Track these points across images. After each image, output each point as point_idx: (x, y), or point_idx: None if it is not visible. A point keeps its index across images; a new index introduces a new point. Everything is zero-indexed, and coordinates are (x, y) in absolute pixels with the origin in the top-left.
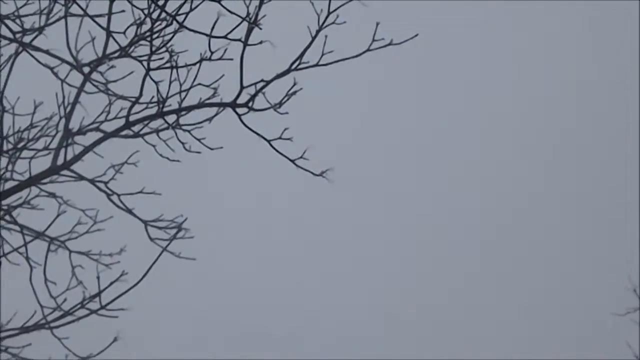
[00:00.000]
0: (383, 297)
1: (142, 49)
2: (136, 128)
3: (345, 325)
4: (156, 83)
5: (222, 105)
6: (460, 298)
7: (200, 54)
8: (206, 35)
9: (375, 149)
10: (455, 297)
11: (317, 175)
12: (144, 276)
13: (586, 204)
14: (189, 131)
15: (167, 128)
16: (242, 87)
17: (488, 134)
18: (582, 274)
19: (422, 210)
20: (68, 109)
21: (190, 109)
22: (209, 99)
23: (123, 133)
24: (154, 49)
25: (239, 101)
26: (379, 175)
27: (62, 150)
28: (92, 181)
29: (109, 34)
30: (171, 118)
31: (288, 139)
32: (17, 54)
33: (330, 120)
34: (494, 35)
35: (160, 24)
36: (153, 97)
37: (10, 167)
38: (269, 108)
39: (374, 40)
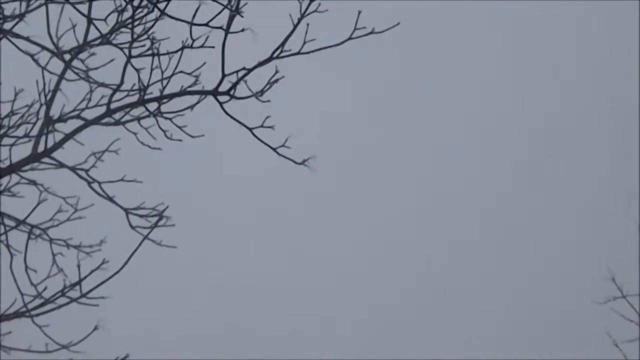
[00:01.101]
0: (383, 297)
1: (124, 37)
2: (117, 116)
3: (343, 324)
4: (137, 71)
5: (203, 93)
6: (459, 298)
7: (182, 41)
8: (188, 22)
9: (361, 137)
10: (453, 297)
11: (299, 163)
12: (124, 264)
13: (586, 204)
14: (170, 119)
15: (148, 116)
16: (223, 75)
17: (485, 133)
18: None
19: (419, 206)
20: (49, 97)
21: (171, 96)
22: (190, 86)
23: (104, 121)
24: (135, 36)
25: (220, 89)
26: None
27: (43, 138)
28: (73, 169)
29: (90, 21)
30: (152, 106)
31: (270, 127)
32: None
33: (313, 108)
34: (494, 35)
35: (141, 12)
36: (134, 84)
37: None
38: (250, 96)
39: (355, 28)
